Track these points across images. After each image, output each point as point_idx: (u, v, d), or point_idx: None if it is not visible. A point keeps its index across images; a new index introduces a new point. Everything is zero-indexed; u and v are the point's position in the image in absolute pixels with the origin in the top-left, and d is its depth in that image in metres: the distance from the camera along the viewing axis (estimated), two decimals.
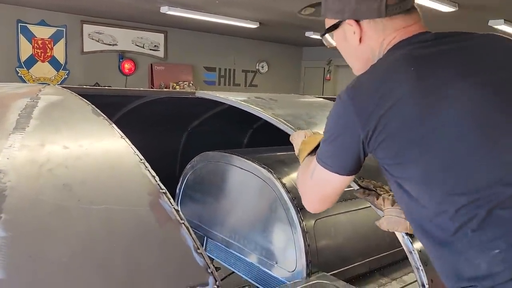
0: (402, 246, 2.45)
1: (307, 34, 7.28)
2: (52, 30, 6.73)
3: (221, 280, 2.40)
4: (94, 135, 1.20)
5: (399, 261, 2.35)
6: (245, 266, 2.41)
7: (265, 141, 3.39)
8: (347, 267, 2.17)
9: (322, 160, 1.10)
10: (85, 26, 7.06)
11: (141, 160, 1.11)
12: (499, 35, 1.09)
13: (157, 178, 1.07)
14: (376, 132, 0.98)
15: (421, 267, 1.35)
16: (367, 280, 2.18)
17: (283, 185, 2.14)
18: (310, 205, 1.22)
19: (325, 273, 2.00)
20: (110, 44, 7.37)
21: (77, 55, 7.04)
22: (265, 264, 2.22)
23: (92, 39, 7.16)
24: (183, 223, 0.97)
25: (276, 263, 2.18)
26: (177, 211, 0.99)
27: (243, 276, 2.42)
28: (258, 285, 2.28)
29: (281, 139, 3.45)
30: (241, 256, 2.38)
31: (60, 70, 6.91)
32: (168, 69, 8.02)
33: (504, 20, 5.14)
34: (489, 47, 1.06)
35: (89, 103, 1.42)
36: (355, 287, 1.84)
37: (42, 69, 6.71)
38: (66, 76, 6.97)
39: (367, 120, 0.98)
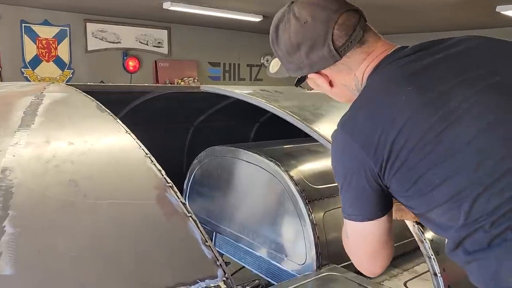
0: (412, 236, 2.43)
1: None
2: (55, 30, 6.73)
3: (231, 275, 2.40)
4: (99, 131, 1.19)
5: (410, 252, 2.33)
6: (255, 260, 2.40)
7: (272, 135, 3.38)
8: None
9: (346, 212, 1.01)
10: (88, 24, 7.05)
11: (146, 154, 1.11)
12: (473, 36, 1.03)
13: (163, 172, 1.06)
14: (389, 161, 0.91)
15: (432, 256, 1.33)
16: None
17: (291, 177, 2.12)
18: (367, 268, 1.09)
19: (335, 265, 1.99)
20: (113, 42, 7.37)
21: (81, 54, 7.04)
22: (275, 257, 2.22)
23: (96, 37, 7.16)
24: (191, 216, 0.96)
25: (286, 256, 2.17)
26: (184, 204, 0.98)
27: (253, 270, 2.41)
28: (268, 279, 2.27)
29: (288, 132, 3.44)
30: (251, 250, 2.38)
31: (65, 70, 6.92)
32: (173, 65, 8.01)
33: None
34: (473, 50, 1.00)
35: (94, 99, 1.41)
36: (367, 279, 1.82)
37: (47, 69, 6.73)
38: (71, 76, 6.98)
39: (376, 151, 0.91)
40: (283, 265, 2.19)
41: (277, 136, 3.23)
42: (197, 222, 0.95)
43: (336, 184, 2.21)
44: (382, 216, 0.98)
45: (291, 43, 1.06)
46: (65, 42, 6.85)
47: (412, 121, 0.89)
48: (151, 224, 0.93)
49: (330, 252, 2.03)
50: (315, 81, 1.12)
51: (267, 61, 9.84)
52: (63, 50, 6.85)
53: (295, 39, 1.05)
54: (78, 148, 1.09)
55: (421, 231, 1.36)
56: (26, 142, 1.05)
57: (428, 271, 2.04)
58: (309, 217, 2.03)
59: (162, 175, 1.04)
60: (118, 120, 1.25)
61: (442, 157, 0.86)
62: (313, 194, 2.11)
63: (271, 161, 2.22)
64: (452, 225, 0.89)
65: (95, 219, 0.89)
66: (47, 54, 6.71)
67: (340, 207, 2.15)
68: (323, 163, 2.40)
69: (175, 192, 1.01)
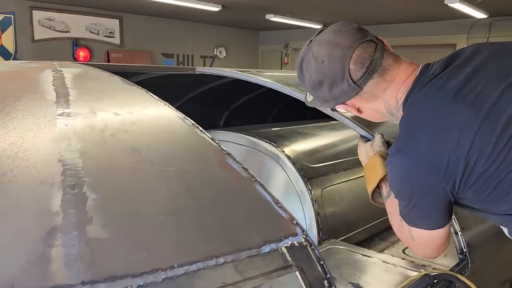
0: None
1: (268, 16, 7.29)
2: None
3: None
4: (137, 103, 1.17)
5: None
6: None
7: (242, 122, 3.40)
8: (352, 233, 2.25)
9: (413, 222, 1.07)
10: (34, 12, 6.64)
11: (193, 124, 1.10)
12: (480, 44, 1.08)
13: (216, 140, 1.06)
14: (464, 177, 0.96)
15: (460, 232, 1.42)
16: (370, 245, 2.27)
17: (288, 157, 2.17)
18: (430, 256, 1.16)
19: (335, 240, 2.06)
20: (62, 31, 7.00)
21: (27, 43, 6.63)
22: None
23: (43, 26, 6.77)
24: (256, 180, 0.97)
25: None
26: (246, 169, 0.99)
27: None
28: None
29: (257, 119, 3.48)
30: None
31: (10, 60, 6.48)
32: (126, 56, 7.75)
33: None
34: (495, 56, 1.04)
35: (112, 73, 1.37)
36: (369, 250, 1.91)
37: None
38: None
39: (446, 172, 0.96)
40: None
41: (247, 122, 3.25)
42: (264, 185, 0.96)
43: (331, 162, 2.27)
44: (449, 221, 1.06)
45: (313, 81, 1.13)
46: (10, 30, 6.41)
47: (479, 136, 0.93)
48: (222, 188, 0.93)
49: (329, 227, 2.10)
50: (344, 109, 1.19)
51: (220, 52, 9.80)
52: (7, 39, 6.41)
53: (316, 77, 1.12)
54: (126, 118, 1.06)
55: None
56: (72, 112, 1.01)
57: None
58: (308, 195, 2.08)
59: (217, 143, 1.04)
60: (150, 93, 1.23)
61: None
62: (310, 172, 2.16)
63: (267, 142, 2.25)
64: None
65: (169, 184, 0.88)
66: None
67: (335, 184, 2.22)
68: (314, 143, 2.47)
69: (234, 159, 1.01)
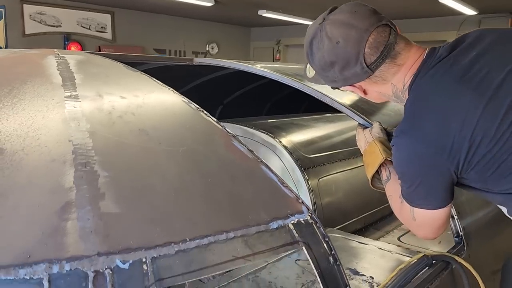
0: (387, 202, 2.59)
1: (260, 12, 7.30)
2: None
3: None
4: (142, 88, 1.18)
5: (387, 216, 2.51)
6: None
7: (237, 116, 3.42)
8: (347, 222, 2.28)
9: (415, 202, 1.09)
10: (25, 6, 6.59)
11: (198, 108, 1.11)
12: (481, 29, 1.11)
13: (221, 123, 1.08)
14: (468, 158, 0.98)
15: (456, 216, 1.46)
16: (364, 234, 2.30)
17: (285, 147, 2.19)
18: (430, 237, 1.19)
19: (332, 228, 2.09)
20: (53, 26, 6.95)
21: (18, 38, 6.57)
22: None
23: (34, 20, 6.71)
24: (261, 160, 0.99)
25: None
26: (251, 151, 1.01)
27: None
28: None
29: (250, 114, 3.49)
30: None
31: None
32: (117, 51, 7.69)
33: None
34: (497, 42, 1.06)
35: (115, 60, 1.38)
36: (363, 237, 1.95)
37: None
38: None
39: (451, 152, 0.98)
40: None
41: (241, 117, 3.26)
42: (269, 166, 0.98)
43: (327, 153, 2.30)
44: (451, 201, 1.08)
45: (324, 61, 1.12)
46: (0, 24, 6.35)
47: (484, 118, 0.96)
48: (229, 168, 0.95)
49: (326, 216, 2.13)
50: (351, 90, 1.20)
51: (212, 48, 9.80)
52: None
53: (328, 58, 1.10)
54: (132, 101, 1.07)
55: None
56: (80, 95, 1.02)
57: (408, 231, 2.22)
58: (305, 184, 2.11)
59: (222, 126, 1.06)
60: (154, 79, 1.24)
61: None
62: (307, 162, 2.19)
63: (263, 132, 2.27)
64: None
65: (178, 163, 0.90)
66: None
67: (331, 174, 2.25)
68: (310, 135, 2.49)
69: (239, 141, 1.03)
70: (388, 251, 1.77)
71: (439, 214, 1.08)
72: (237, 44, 10.13)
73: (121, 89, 1.13)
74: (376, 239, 2.08)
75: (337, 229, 2.12)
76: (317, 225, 0.90)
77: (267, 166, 0.98)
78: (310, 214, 0.90)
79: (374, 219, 2.46)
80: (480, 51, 1.04)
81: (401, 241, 2.01)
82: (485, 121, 0.96)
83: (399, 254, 1.73)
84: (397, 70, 1.11)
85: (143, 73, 1.27)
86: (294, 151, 2.18)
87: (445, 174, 1.02)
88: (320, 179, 2.19)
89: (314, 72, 1.22)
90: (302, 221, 0.88)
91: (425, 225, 1.13)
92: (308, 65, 1.24)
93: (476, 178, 1.03)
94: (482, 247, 1.61)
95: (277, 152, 2.21)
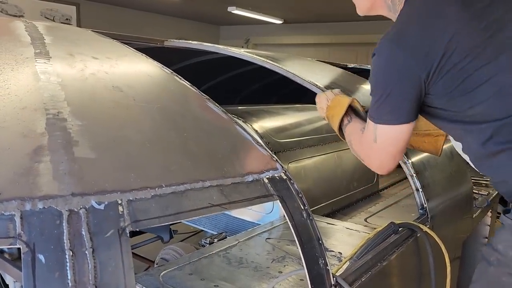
0: (355, 190, 2.65)
1: (230, 9, 7.30)
2: None
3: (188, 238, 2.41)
4: (115, 51, 1.16)
5: (354, 203, 2.57)
6: (218, 220, 2.41)
7: None
8: (315, 207, 2.31)
9: (382, 118, 1.09)
10: None
11: (172, 72, 1.11)
12: None
13: (195, 87, 1.08)
14: (439, 65, 1.00)
15: (414, 175, 1.52)
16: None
17: (256, 131, 2.20)
18: (384, 166, 1.17)
19: None
20: (15, 16, 6.70)
21: None
22: (239, 210, 2.27)
23: None
24: (236, 121, 1.00)
25: (251, 208, 2.24)
26: (225, 112, 1.02)
27: (209, 231, 2.44)
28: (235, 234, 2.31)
29: (222, 102, 3.47)
30: None
31: None
32: None
33: None
34: None
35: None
36: (333, 219, 1.98)
37: None
38: None
39: (426, 57, 1.00)
40: (247, 217, 2.25)
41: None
42: (244, 127, 0.99)
43: (296, 138, 2.33)
44: (414, 120, 1.09)
45: None
46: None
47: (464, 29, 1.00)
48: (204, 125, 0.95)
49: None
50: None
51: None
52: None
53: None
54: (105, 62, 1.05)
55: (405, 156, 1.54)
56: (50, 53, 0.99)
57: (377, 212, 2.28)
58: None
59: (196, 89, 1.06)
60: (126, 45, 1.23)
61: (488, 59, 1.00)
62: (277, 147, 2.21)
63: (234, 117, 2.27)
64: (490, 119, 1.02)
65: (153, 119, 0.89)
66: None
67: (301, 159, 2.28)
68: (281, 121, 2.51)
69: (213, 103, 1.04)
70: (356, 230, 1.81)
71: (401, 130, 1.08)
72: (206, 42, 10.08)
73: (93, 51, 1.11)
74: (345, 221, 2.13)
75: None
76: (291, 181, 0.92)
77: (241, 127, 0.99)
78: (284, 171, 0.92)
79: (341, 205, 2.51)
80: None
81: (367, 222, 2.07)
82: (463, 31, 1.00)
83: (366, 232, 1.77)
84: None
85: (114, 39, 1.25)
86: (264, 136, 2.19)
87: (415, 82, 1.03)
88: (290, 163, 2.21)
89: None
90: (277, 177, 0.90)
91: (385, 147, 1.12)
92: None
93: (442, 91, 1.04)
94: (444, 226, 1.67)
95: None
